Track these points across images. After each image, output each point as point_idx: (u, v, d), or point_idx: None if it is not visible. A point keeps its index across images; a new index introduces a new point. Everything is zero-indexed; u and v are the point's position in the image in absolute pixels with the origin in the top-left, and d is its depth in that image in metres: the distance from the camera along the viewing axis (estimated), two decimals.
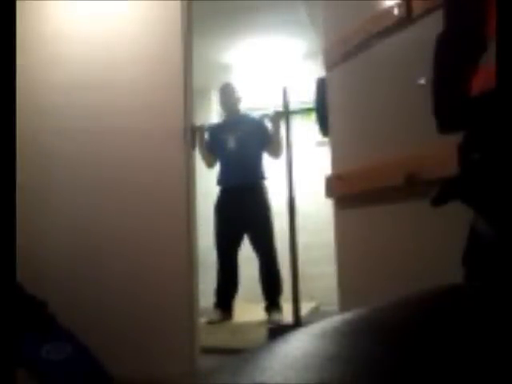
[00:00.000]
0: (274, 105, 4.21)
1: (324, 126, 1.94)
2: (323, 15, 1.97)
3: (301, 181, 3.46)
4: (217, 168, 3.69)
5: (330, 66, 1.87)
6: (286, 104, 2.83)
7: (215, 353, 2.41)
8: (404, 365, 0.26)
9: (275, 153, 3.55)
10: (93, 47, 2.46)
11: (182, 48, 2.33)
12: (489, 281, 0.54)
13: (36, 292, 1.78)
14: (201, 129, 3.24)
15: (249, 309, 3.84)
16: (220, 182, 3.64)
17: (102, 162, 2.39)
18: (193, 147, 2.39)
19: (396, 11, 1.51)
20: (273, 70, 4.56)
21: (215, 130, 3.67)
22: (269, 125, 3.61)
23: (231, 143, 3.57)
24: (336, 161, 1.85)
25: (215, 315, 3.51)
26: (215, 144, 3.60)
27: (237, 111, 3.74)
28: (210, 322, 3.40)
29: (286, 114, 2.84)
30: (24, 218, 1.57)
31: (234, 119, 3.71)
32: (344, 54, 1.75)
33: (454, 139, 0.62)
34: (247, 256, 3.67)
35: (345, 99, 1.82)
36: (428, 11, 1.36)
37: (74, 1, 2.51)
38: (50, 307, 1.79)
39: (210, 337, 2.82)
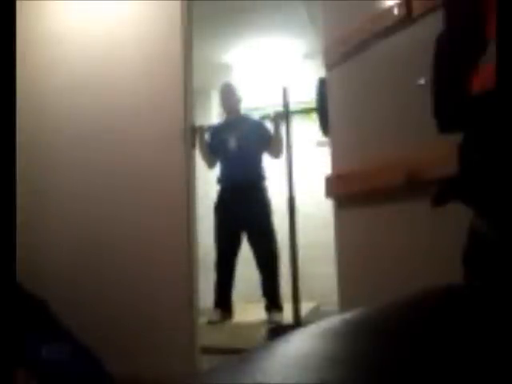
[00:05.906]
0: (274, 105, 4.22)
1: (325, 125, 1.95)
2: (323, 15, 1.97)
3: (301, 181, 3.46)
4: (217, 168, 3.70)
5: (330, 65, 1.87)
6: (286, 104, 2.83)
7: (215, 353, 2.41)
8: (403, 365, 0.26)
9: (276, 153, 3.56)
10: (93, 47, 2.45)
11: (182, 48, 2.33)
12: (489, 281, 0.54)
13: (36, 291, 1.78)
14: (201, 129, 3.24)
15: (249, 309, 3.84)
16: (220, 180, 3.65)
17: (102, 162, 2.39)
18: (193, 147, 2.39)
19: (396, 11, 1.51)
20: (273, 69, 4.56)
21: (216, 131, 3.68)
22: (269, 125, 3.61)
23: (232, 143, 3.58)
24: (336, 161, 1.85)
25: (215, 315, 3.51)
26: (216, 145, 3.61)
27: (237, 111, 3.75)
28: (210, 322, 3.41)
29: (286, 114, 2.84)
30: (24, 217, 1.57)
31: (235, 119, 3.72)
32: (344, 54, 1.75)
33: (454, 139, 0.62)
34: (247, 256, 3.67)
35: (345, 99, 1.82)
36: (428, 11, 1.36)
37: (73, 1, 2.51)
38: (50, 307, 1.78)
39: (210, 337, 2.82)
